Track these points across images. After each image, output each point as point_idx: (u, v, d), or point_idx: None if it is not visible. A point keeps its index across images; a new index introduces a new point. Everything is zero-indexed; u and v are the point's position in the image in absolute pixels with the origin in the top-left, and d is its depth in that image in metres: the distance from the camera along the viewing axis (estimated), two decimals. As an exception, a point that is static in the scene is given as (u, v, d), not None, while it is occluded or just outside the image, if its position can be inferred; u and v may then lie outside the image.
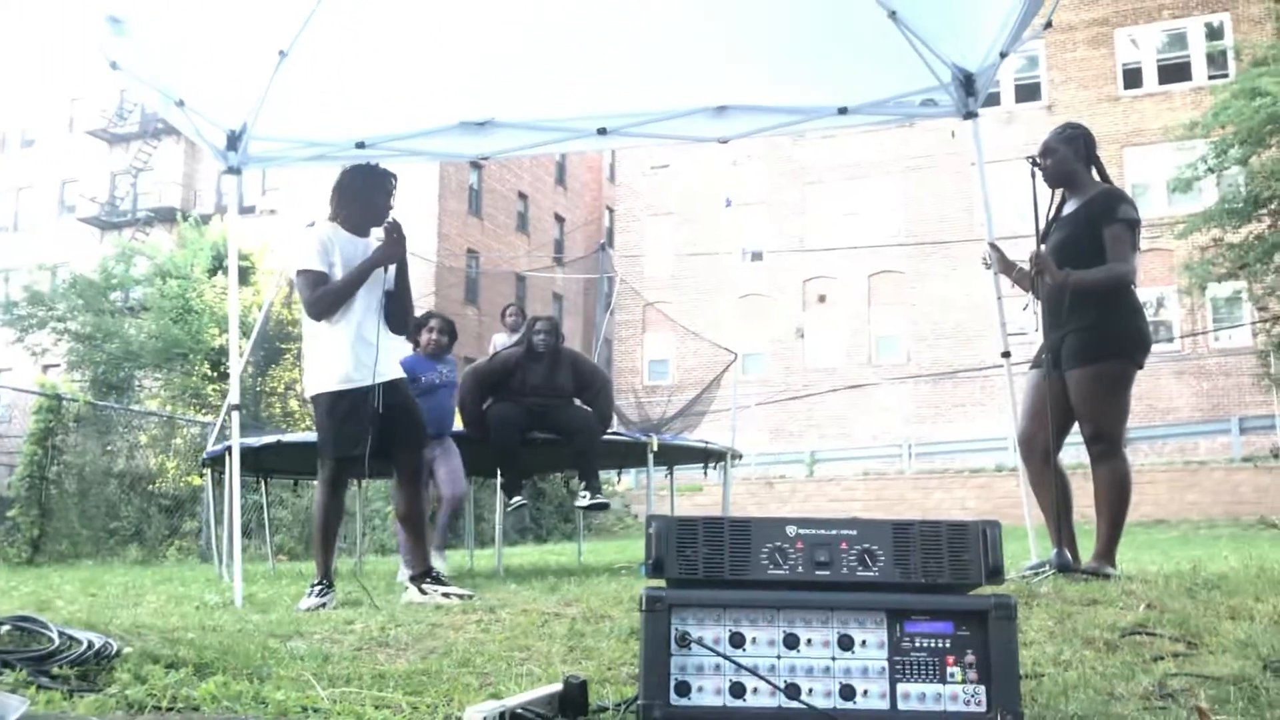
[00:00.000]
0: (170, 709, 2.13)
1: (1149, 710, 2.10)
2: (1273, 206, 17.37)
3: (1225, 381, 24.08)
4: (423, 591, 4.64)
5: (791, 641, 1.78)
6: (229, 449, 5.65)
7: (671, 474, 9.79)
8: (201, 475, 11.54)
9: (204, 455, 8.61)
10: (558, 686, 2.00)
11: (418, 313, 5.77)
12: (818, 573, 1.82)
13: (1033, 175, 4.52)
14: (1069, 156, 4.58)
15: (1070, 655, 2.66)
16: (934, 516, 20.58)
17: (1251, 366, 21.87)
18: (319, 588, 4.65)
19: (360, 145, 5.67)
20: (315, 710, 2.13)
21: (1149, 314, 23.82)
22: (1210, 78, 24.74)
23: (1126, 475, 4.45)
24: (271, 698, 2.17)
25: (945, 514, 20.40)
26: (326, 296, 4.63)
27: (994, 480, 20.20)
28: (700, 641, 1.76)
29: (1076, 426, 4.53)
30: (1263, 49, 17.87)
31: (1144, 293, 4.63)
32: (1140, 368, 4.50)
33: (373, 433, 4.61)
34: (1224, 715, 2.06)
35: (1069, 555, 4.29)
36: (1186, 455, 22.02)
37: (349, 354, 4.67)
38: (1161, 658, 2.64)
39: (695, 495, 18.90)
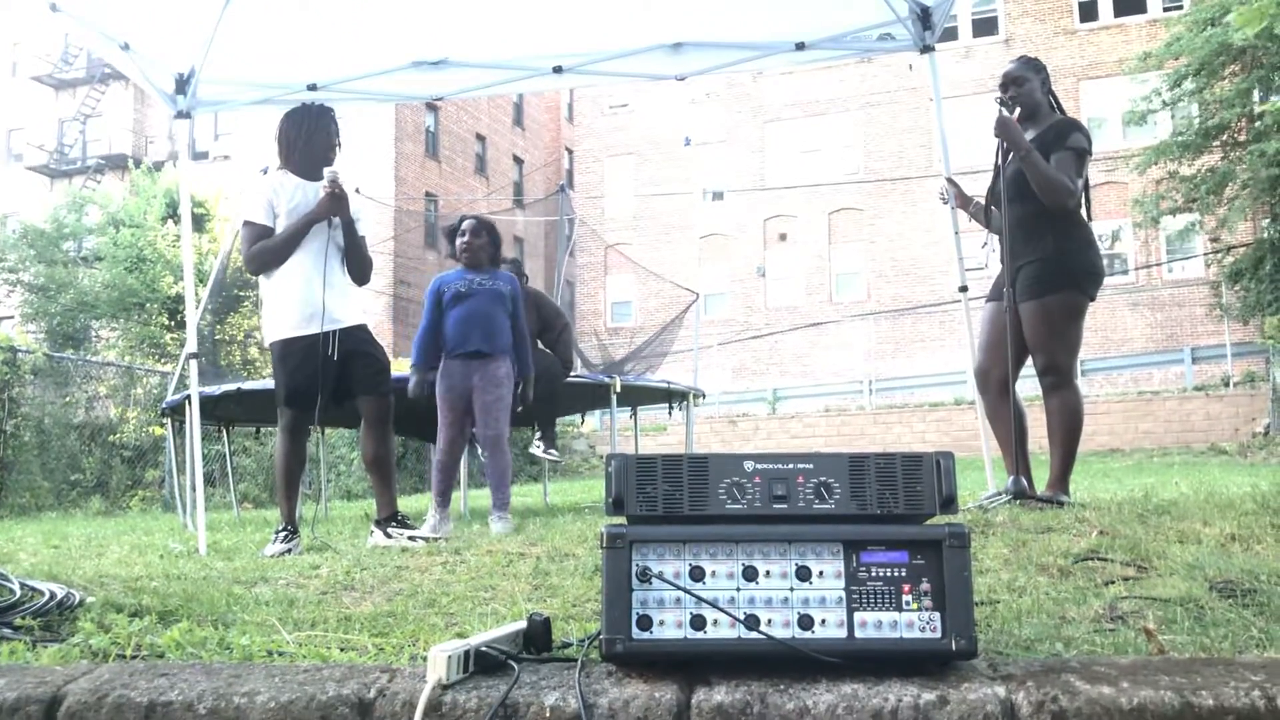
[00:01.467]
0: (134, 657, 2.13)
1: (1099, 632, 2.16)
2: (1224, 138, 17.53)
3: (1178, 312, 24.46)
4: (388, 535, 4.66)
5: (750, 574, 1.80)
6: (188, 398, 5.61)
7: (635, 415, 9.84)
8: (163, 425, 11.45)
9: (163, 404, 8.55)
10: (522, 624, 2.02)
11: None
12: (775, 506, 1.85)
13: (1001, 105, 4.53)
14: (1036, 87, 4.60)
15: (1024, 582, 2.73)
16: (892, 450, 20.87)
17: (1204, 297, 22.20)
18: (284, 534, 4.65)
19: (312, 87, 5.58)
20: (280, 654, 2.15)
21: (1104, 246, 24.17)
22: (1165, 9, 24.80)
23: (1078, 405, 4.53)
24: (236, 643, 2.18)
25: (905, 447, 20.67)
26: (264, 254, 4.61)
27: (953, 413, 20.47)
28: (661, 576, 1.79)
29: (1009, 353, 4.59)
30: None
31: (1099, 226, 4.68)
32: (1092, 300, 4.57)
33: (330, 379, 4.60)
34: (1170, 634, 2.12)
35: (1025, 482, 4.38)
36: (1140, 385, 22.40)
37: (298, 301, 4.63)
38: (1112, 582, 2.71)
39: (660, 435, 19.02)
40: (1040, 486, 4.56)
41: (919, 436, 20.86)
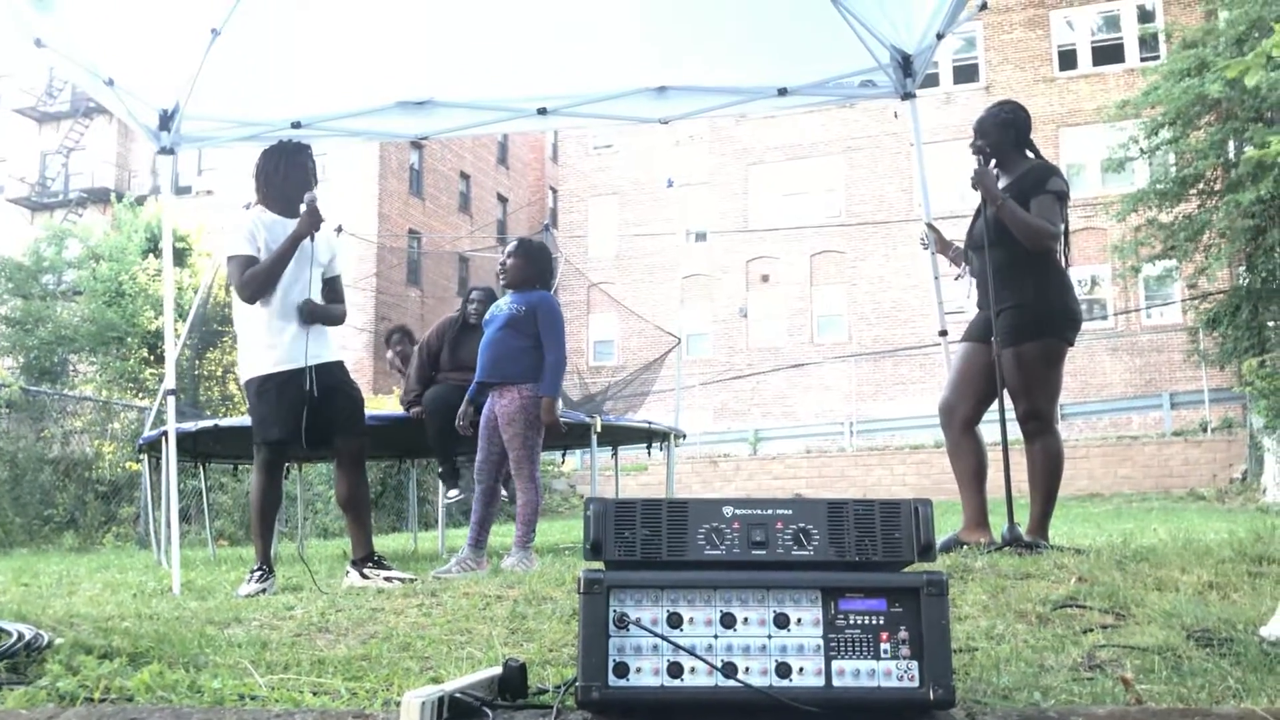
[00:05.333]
0: (103, 700, 2.10)
1: (1077, 681, 2.15)
2: (1200, 186, 17.75)
3: (1157, 358, 24.64)
4: (364, 576, 4.62)
5: (728, 621, 1.79)
6: (165, 434, 5.56)
7: (616, 454, 9.81)
8: (139, 461, 11.35)
9: (140, 440, 8.47)
10: (497, 669, 2.00)
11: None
12: (754, 552, 1.84)
13: (975, 154, 4.59)
14: (1001, 140, 4.66)
15: (1003, 629, 2.72)
16: (874, 493, 20.82)
17: (1182, 343, 22.37)
18: (259, 573, 4.61)
19: (297, 125, 5.60)
20: (252, 698, 2.12)
21: (1083, 292, 24.39)
22: (1142, 59, 25.19)
23: (1059, 451, 4.56)
24: (208, 686, 2.15)
25: (885, 490, 20.67)
26: (256, 278, 4.58)
27: (933, 456, 20.49)
28: (638, 623, 1.77)
29: (998, 401, 4.61)
30: (1192, 32, 18.21)
31: (1078, 271, 4.73)
32: (1071, 345, 4.60)
33: (307, 416, 4.57)
34: (1148, 684, 2.11)
35: (1019, 530, 4.38)
36: (1120, 430, 22.50)
37: (276, 337, 4.62)
38: (1091, 629, 2.71)
39: (640, 475, 18.96)
40: (995, 526, 4.57)
41: (899, 479, 20.88)
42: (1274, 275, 16.22)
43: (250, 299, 4.62)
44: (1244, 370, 15.94)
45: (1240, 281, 17.87)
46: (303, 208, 4.61)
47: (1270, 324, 17.12)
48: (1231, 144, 17.19)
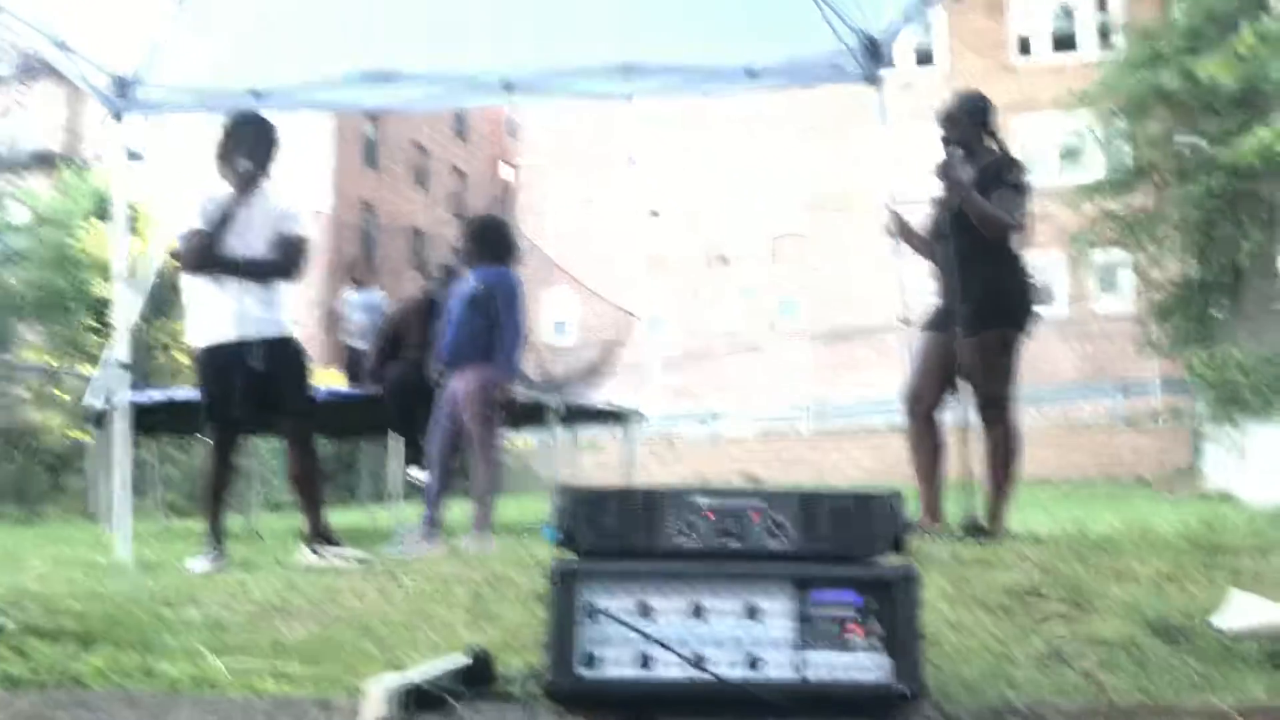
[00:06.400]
0: (54, 685, 2.04)
1: (1043, 673, 2.16)
2: (1154, 178, 17.96)
3: (1108, 346, 24.96)
4: (319, 554, 4.56)
5: (699, 612, 1.77)
6: (116, 407, 5.45)
7: (575, 435, 9.79)
8: (87, 430, 11.14)
9: (88, 411, 8.31)
10: (462, 658, 1.97)
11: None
12: (727, 543, 1.82)
13: (944, 144, 4.60)
14: (968, 129, 4.67)
15: (967, 618, 2.73)
16: (830, 476, 20.85)
17: (1133, 332, 22.69)
18: (211, 550, 4.54)
19: (255, 94, 5.47)
20: (210, 684, 2.07)
21: (1036, 279, 24.53)
22: (1100, 49, 25.42)
23: (1018, 439, 4.60)
24: (163, 671, 2.10)
25: (841, 473, 20.83)
26: (194, 242, 4.49)
27: (888, 440, 20.58)
28: (608, 613, 1.75)
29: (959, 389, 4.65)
30: (1148, 24, 18.39)
31: (1031, 258, 4.77)
32: (1028, 334, 4.64)
33: (254, 392, 4.49)
34: (1112, 677, 2.12)
35: (978, 519, 4.42)
36: (1069, 417, 22.80)
37: (225, 308, 4.53)
38: (1053, 619, 2.73)
39: (598, 454, 18.93)
40: (957, 517, 4.61)
41: (855, 462, 21.03)
42: (1224, 268, 16.46)
43: (194, 268, 4.53)
44: (1194, 362, 16.21)
45: (1190, 273, 18.14)
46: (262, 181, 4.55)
47: (1218, 315, 17.40)
48: (1183, 135, 17.39)
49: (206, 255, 4.50)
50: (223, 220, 4.50)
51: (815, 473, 21.10)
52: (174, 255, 4.58)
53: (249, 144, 4.66)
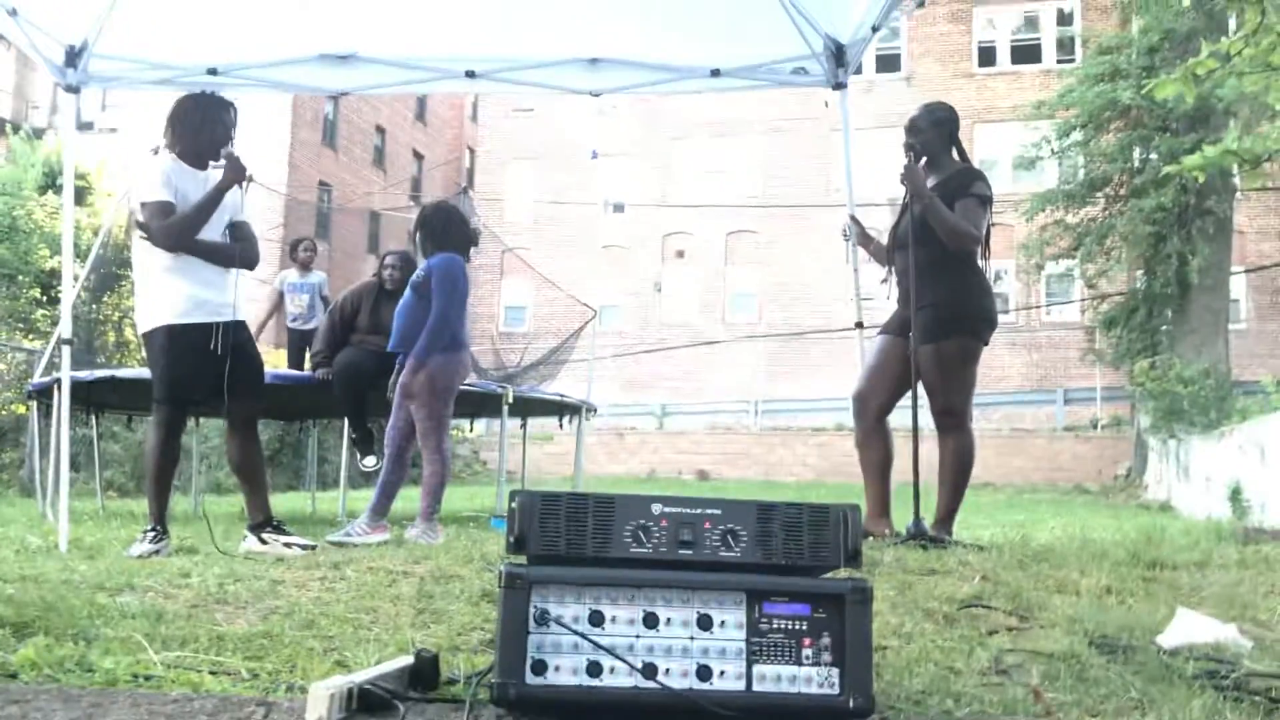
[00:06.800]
0: (-16, 676, 1.99)
1: (987, 687, 2.18)
2: (1107, 191, 18.24)
3: (1054, 354, 25.34)
4: (263, 541, 4.50)
5: (651, 621, 1.76)
6: (58, 383, 5.34)
7: (525, 425, 9.75)
8: (27, 405, 10.91)
9: (29, 386, 8.13)
10: (407, 659, 1.94)
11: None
12: (681, 552, 1.81)
13: (907, 151, 4.62)
14: (934, 139, 4.70)
15: (911, 627, 2.75)
16: (775, 472, 20.89)
17: (1078, 341, 23.05)
18: (152, 534, 4.46)
19: (212, 72, 5.37)
20: (147, 678, 2.02)
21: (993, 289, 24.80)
22: (1059, 62, 25.75)
23: (970, 448, 4.64)
24: (99, 664, 2.05)
25: (786, 470, 20.96)
26: (180, 223, 4.40)
27: (835, 439, 20.82)
28: (559, 620, 1.73)
29: (910, 394, 4.67)
30: (1108, 39, 18.65)
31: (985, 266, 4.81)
32: (986, 344, 4.68)
33: (212, 374, 4.42)
34: (1054, 692, 2.15)
35: (924, 524, 4.45)
36: (1014, 423, 23.12)
37: (188, 288, 4.45)
38: (996, 631, 2.75)
39: (547, 444, 18.89)
40: (900, 519, 4.64)
41: (800, 459, 21.18)
42: (1170, 280, 16.76)
43: (172, 247, 4.43)
44: (1135, 371, 16.49)
45: (1138, 285, 18.44)
46: (222, 161, 4.46)
47: (1163, 328, 17.72)
48: (1138, 151, 17.68)
49: (187, 236, 4.41)
50: (209, 203, 4.43)
51: (762, 469, 21.21)
52: (141, 226, 4.46)
53: (223, 128, 4.57)
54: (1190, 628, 2.60)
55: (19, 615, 2.43)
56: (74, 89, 5.01)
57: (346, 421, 7.01)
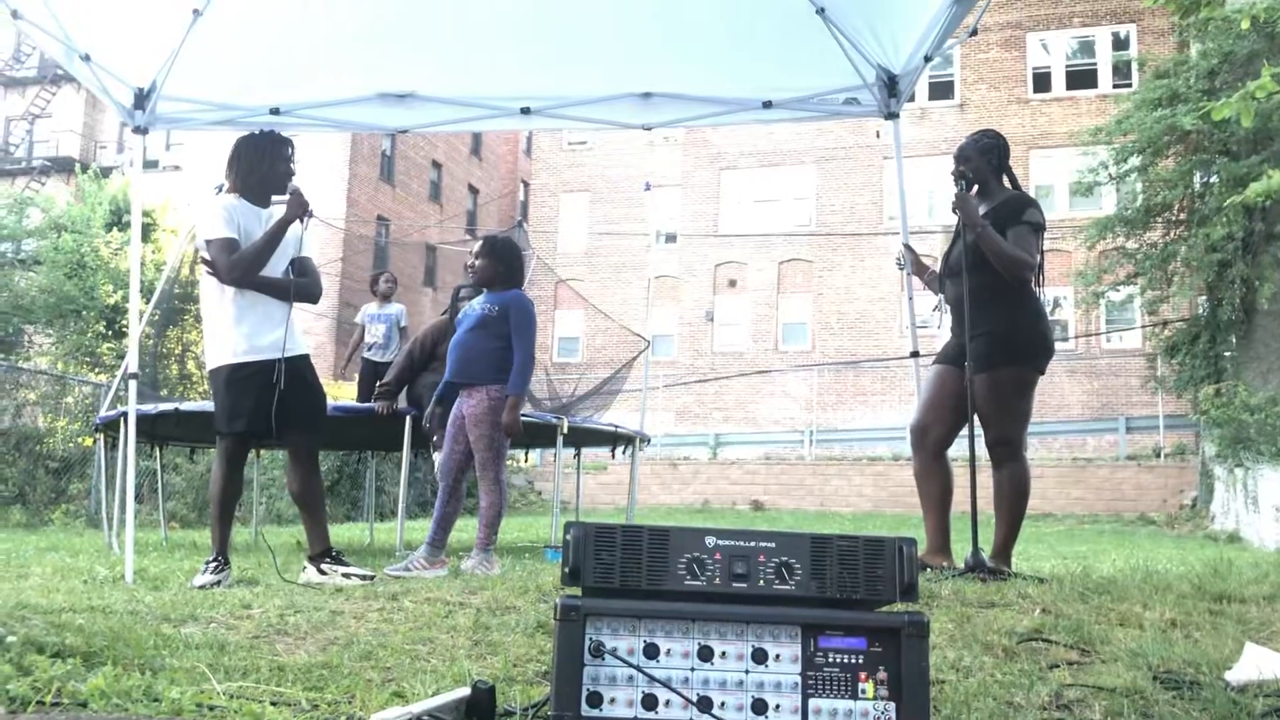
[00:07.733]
0: (55, 704, 2.03)
1: (1047, 723, 2.15)
2: (1167, 215, 17.95)
3: (1115, 381, 24.91)
4: (322, 571, 4.56)
5: (705, 654, 1.77)
6: (124, 416, 5.46)
7: (579, 454, 9.77)
8: (93, 438, 11.16)
9: (96, 419, 8.32)
10: (465, 690, 1.96)
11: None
12: (734, 585, 1.82)
13: (957, 180, 4.61)
14: (983, 166, 4.67)
15: (970, 661, 2.71)
16: (831, 502, 20.71)
17: (1140, 368, 22.65)
18: (214, 564, 4.53)
19: (275, 111, 5.51)
20: (210, 708, 2.06)
21: (1046, 313, 24.46)
22: (1115, 86, 25.48)
23: (1026, 478, 4.58)
24: (165, 693, 2.09)
25: (842, 500, 20.77)
26: (245, 258, 4.51)
27: (890, 469, 20.61)
28: (614, 653, 1.74)
29: (968, 425, 4.62)
30: (1164, 62, 18.42)
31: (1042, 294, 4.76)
32: (1042, 373, 4.63)
33: (277, 408, 4.50)
34: (1117, 729, 2.11)
35: (982, 556, 4.39)
36: (1075, 452, 22.73)
37: (250, 325, 4.55)
38: (1057, 665, 2.71)
39: (600, 474, 18.93)
40: (960, 551, 4.58)
41: (856, 489, 20.97)
42: (1235, 307, 16.42)
43: (238, 282, 4.54)
44: (1200, 398, 16.14)
45: (1200, 311, 18.09)
46: (286, 196, 4.58)
47: (1227, 354, 17.35)
48: (1198, 175, 17.39)
49: (253, 271, 4.53)
50: (273, 237, 4.54)
51: (817, 499, 21.05)
52: (208, 263, 4.58)
53: (285, 165, 4.69)
54: (1259, 663, 2.54)
55: (88, 645, 2.49)
56: (142, 130, 5.15)
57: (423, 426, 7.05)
